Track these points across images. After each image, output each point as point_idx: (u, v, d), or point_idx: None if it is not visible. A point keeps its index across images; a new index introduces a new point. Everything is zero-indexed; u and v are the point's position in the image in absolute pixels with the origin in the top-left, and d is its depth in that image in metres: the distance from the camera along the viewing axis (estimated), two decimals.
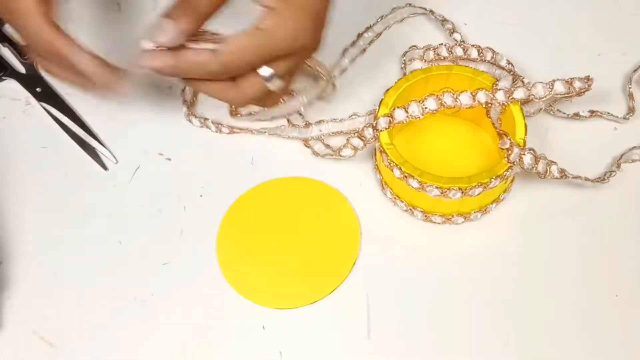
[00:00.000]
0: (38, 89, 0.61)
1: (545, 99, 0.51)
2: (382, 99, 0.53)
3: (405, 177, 0.50)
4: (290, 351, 0.50)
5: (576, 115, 0.58)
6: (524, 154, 0.49)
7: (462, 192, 0.49)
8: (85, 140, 0.58)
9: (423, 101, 0.50)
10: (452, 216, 0.53)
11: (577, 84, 0.50)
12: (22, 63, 0.62)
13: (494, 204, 0.53)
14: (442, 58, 0.60)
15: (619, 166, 0.54)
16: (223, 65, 0.45)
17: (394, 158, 0.50)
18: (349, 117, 0.57)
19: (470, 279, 0.52)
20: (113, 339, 0.50)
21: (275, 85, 0.48)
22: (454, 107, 0.50)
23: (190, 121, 0.59)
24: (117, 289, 0.52)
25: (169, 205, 0.55)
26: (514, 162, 0.49)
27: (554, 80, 0.51)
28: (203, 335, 0.50)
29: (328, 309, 0.51)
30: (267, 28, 0.45)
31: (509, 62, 0.58)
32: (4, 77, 0.62)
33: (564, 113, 0.58)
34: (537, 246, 0.53)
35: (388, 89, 0.53)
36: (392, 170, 0.51)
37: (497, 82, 0.52)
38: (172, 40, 0.44)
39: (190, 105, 0.59)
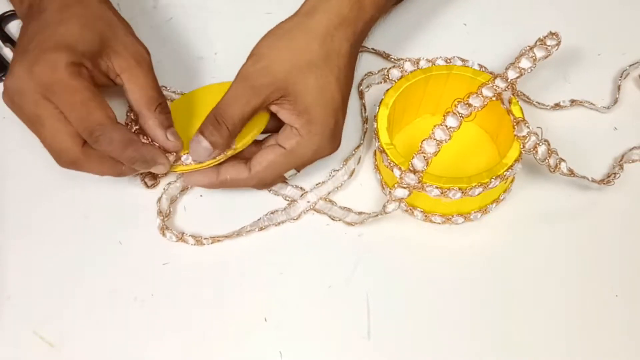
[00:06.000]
0: None
1: (533, 67, 0.51)
2: (382, 99, 0.53)
3: None
4: (290, 351, 0.50)
5: (557, 105, 0.58)
6: (539, 144, 0.49)
7: (462, 192, 0.49)
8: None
9: (443, 122, 0.49)
10: (452, 216, 0.53)
11: (549, 42, 0.51)
12: None
13: (494, 204, 0.53)
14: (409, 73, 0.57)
15: (621, 167, 0.54)
16: (258, 180, 0.52)
17: (394, 158, 0.50)
18: (329, 175, 0.55)
19: (470, 279, 0.52)
20: (113, 339, 0.50)
21: (291, 177, 0.54)
22: (471, 113, 0.49)
23: (164, 235, 0.53)
24: (117, 289, 0.52)
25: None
26: (528, 151, 0.49)
27: (531, 48, 0.51)
28: (203, 336, 0.50)
29: (328, 309, 0.51)
30: (293, 149, 0.51)
31: (481, 66, 0.58)
32: (4, 77, 0.62)
33: (544, 105, 0.58)
34: (537, 246, 0.53)
35: (388, 89, 0.53)
36: (392, 170, 0.51)
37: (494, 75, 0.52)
38: (206, 155, 0.50)
39: (166, 216, 0.54)
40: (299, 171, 0.53)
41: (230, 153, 0.51)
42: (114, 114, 0.49)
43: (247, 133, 0.51)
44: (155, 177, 0.56)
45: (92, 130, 0.48)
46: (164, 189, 0.55)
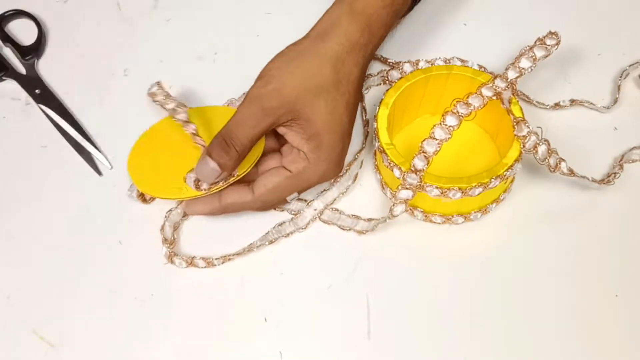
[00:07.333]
0: (37, 91, 0.61)
1: (533, 67, 0.51)
2: (382, 99, 0.53)
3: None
4: (290, 351, 0.50)
5: (557, 105, 0.58)
6: (539, 144, 0.49)
7: (462, 192, 0.49)
8: (81, 144, 0.58)
9: (443, 122, 0.49)
10: (452, 216, 0.53)
11: (549, 42, 0.51)
12: (23, 64, 0.62)
13: (494, 204, 0.53)
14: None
15: (621, 167, 0.54)
16: (262, 203, 0.52)
17: (394, 158, 0.50)
18: (333, 182, 0.55)
19: (470, 279, 0.52)
20: (113, 339, 0.50)
21: (292, 200, 0.53)
22: (471, 113, 0.49)
23: (173, 262, 0.53)
24: (117, 289, 0.52)
25: (169, 206, 0.55)
26: (528, 150, 0.49)
27: (530, 48, 0.51)
28: (203, 336, 0.50)
29: (328, 309, 0.51)
30: (300, 173, 0.51)
31: (480, 66, 0.58)
32: (4, 77, 0.62)
33: (544, 104, 0.58)
34: (537, 246, 0.53)
35: (388, 89, 0.53)
36: (392, 170, 0.51)
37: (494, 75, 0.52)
38: (213, 176, 0.49)
39: (171, 244, 0.54)
40: (300, 194, 0.53)
41: (231, 180, 0.51)
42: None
43: (249, 159, 0.51)
44: None
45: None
46: (165, 216, 0.54)
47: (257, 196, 0.51)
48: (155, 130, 0.55)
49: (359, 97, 0.53)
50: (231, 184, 0.51)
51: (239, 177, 0.51)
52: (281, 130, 0.51)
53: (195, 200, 0.52)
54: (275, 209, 0.55)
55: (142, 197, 0.55)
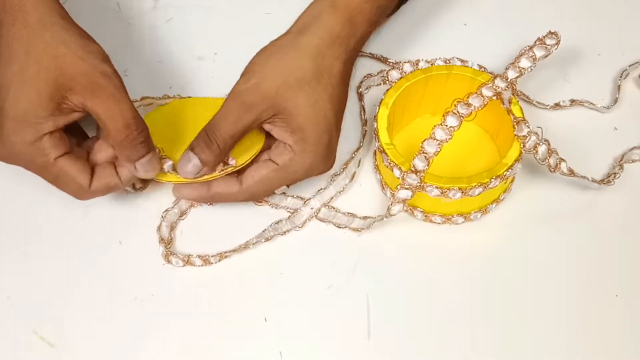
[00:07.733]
0: None
1: (533, 67, 0.51)
2: (382, 99, 0.53)
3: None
4: (290, 351, 0.50)
5: (557, 105, 0.58)
6: (539, 144, 0.49)
7: (462, 192, 0.49)
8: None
9: (443, 122, 0.49)
10: (452, 216, 0.53)
11: (549, 41, 0.51)
12: None
13: (494, 204, 0.53)
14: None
15: (621, 167, 0.54)
16: (249, 194, 0.52)
17: (394, 158, 0.50)
18: (330, 180, 0.55)
19: (470, 279, 0.52)
20: (113, 339, 0.50)
21: (282, 191, 0.54)
22: (471, 113, 0.49)
23: (169, 262, 0.53)
24: (117, 289, 0.52)
25: (167, 205, 0.55)
26: (529, 150, 0.49)
27: (530, 48, 0.51)
28: (203, 336, 0.50)
29: (328, 309, 0.51)
30: (286, 165, 0.51)
31: (480, 66, 0.58)
32: None
33: (544, 104, 0.58)
34: (537, 246, 0.53)
35: (388, 89, 0.53)
36: (392, 170, 0.51)
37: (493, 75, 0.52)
38: (196, 172, 0.50)
39: (168, 243, 0.54)
40: (289, 187, 0.53)
41: (229, 170, 0.51)
42: (87, 173, 0.49)
43: (247, 150, 0.51)
44: (144, 181, 0.56)
45: (73, 196, 0.50)
46: (162, 216, 0.54)
47: (245, 188, 0.51)
48: (152, 117, 0.55)
49: (345, 91, 0.53)
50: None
51: (236, 168, 0.51)
52: (267, 127, 0.51)
53: (185, 185, 0.52)
54: (264, 201, 0.55)
55: (133, 185, 0.55)
